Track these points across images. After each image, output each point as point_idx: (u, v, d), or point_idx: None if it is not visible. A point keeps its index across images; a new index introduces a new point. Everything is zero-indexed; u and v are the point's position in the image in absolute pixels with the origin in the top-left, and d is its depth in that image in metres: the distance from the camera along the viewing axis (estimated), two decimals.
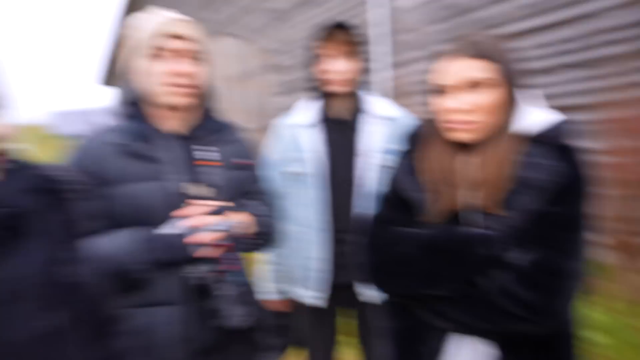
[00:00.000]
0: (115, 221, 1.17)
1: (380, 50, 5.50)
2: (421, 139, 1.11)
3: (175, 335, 1.15)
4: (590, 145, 3.69)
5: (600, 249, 3.73)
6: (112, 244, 1.11)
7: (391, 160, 1.53)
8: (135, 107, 1.24)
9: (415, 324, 1.06)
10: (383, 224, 1.10)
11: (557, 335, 0.97)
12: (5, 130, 0.77)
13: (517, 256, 0.92)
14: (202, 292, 1.16)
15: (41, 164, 0.88)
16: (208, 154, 1.26)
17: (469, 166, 1.00)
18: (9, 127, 0.78)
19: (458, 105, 0.96)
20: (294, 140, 1.69)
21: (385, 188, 1.16)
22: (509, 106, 0.98)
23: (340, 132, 1.67)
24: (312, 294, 1.67)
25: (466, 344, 0.99)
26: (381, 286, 1.10)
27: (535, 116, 1.00)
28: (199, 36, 1.24)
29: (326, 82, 1.63)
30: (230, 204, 1.21)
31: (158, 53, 1.17)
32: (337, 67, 1.59)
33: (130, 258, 1.10)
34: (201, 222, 1.12)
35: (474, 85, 0.95)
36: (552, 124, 0.99)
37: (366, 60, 1.67)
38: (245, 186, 1.37)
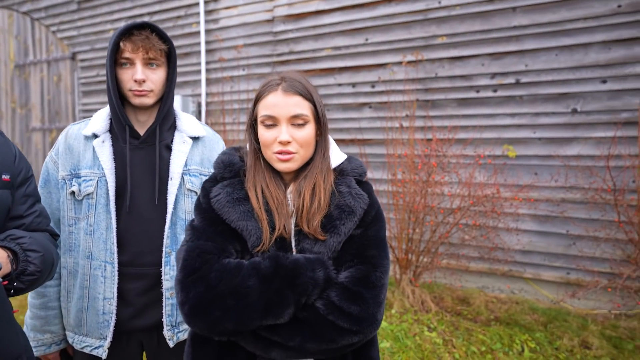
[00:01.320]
0: None
1: (197, 65, 4.98)
2: (244, 168, 1.08)
3: None
4: (378, 175, 4.05)
5: None
6: None
7: (196, 185, 1.42)
8: None
9: None
10: (203, 257, 0.96)
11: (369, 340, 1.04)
12: None
13: (340, 275, 0.97)
14: None
15: None
16: None
17: (291, 195, 1.04)
18: None
19: (284, 137, 0.98)
20: (82, 154, 1.35)
21: (197, 216, 1.05)
22: (319, 141, 1.06)
23: (141, 149, 1.38)
24: (94, 344, 1.34)
25: None
26: (206, 326, 0.92)
27: (334, 151, 1.10)
28: None
29: (127, 90, 1.33)
30: None
31: None
32: (138, 75, 1.30)
33: None
34: None
35: (295, 120, 1.00)
36: (348, 159, 1.11)
37: (173, 69, 1.39)
38: (13, 213, 1.12)
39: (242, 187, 1.05)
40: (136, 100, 1.33)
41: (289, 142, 0.99)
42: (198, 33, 4.98)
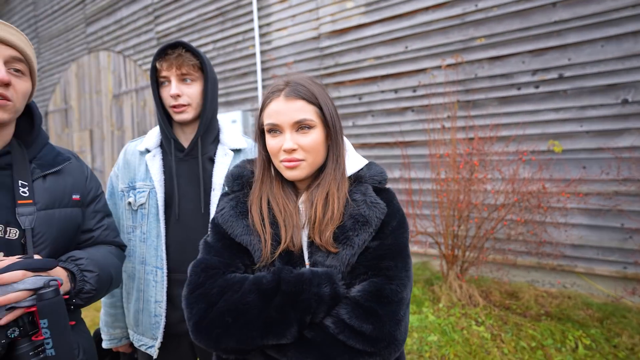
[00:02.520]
0: None
1: (254, 82, 5.15)
2: (249, 179, 0.98)
3: None
4: (421, 175, 3.90)
5: (432, 261, 3.93)
6: None
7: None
8: None
9: None
10: (207, 272, 0.87)
11: None
12: None
13: (352, 289, 0.83)
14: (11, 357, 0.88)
15: None
16: (28, 189, 1.01)
17: (303, 205, 0.92)
18: None
19: (288, 145, 0.87)
20: (137, 167, 1.35)
21: (210, 231, 0.97)
22: (330, 146, 0.93)
23: (186, 162, 1.35)
24: (148, 343, 1.33)
25: None
26: (209, 343, 0.81)
27: (351, 157, 0.97)
28: (23, 43, 0.97)
29: (169, 107, 1.31)
30: (38, 257, 0.96)
31: None
32: (172, 91, 1.27)
33: None
34: (13, 278, 0.86)
35: (299, 125, 0.88)
36: (368, 165, 0.97)
37: (211, 83, 1.33)
38: (83, 227, 1.14)
39: (247, 200, 0.94)
40: (176, 117, 1.30)
41: (294, 150, 0.87)
42: (254, 55, 5.14)
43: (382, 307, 0.80)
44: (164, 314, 1.30)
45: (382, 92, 4.16)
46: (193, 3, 5.72)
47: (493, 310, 3.05)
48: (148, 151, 1.36)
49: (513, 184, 3.14)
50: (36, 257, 0.97)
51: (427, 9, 3.80)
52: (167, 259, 1.31)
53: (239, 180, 0.98)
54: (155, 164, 1.33)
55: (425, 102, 3.86)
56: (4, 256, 0.94)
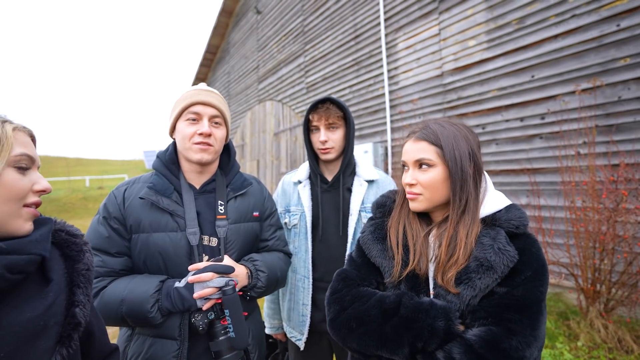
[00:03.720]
0: (135, 265, 1.09)
1: (383, 118, 5.43)
2: (390, 208, 1.00)
3: None
4: (552, 202, 3.45)
5: (567, 294, 3.38)
6: (126, 288, 1.03)
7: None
8: (171, 164, 1.18)
9: None
10: (346, 281, 0.92)
11: None
12: (45, 187, 0.71)
13: (470, 331, 0.76)
14: (206, 334, 1.06)
15: (56, 219, 0.81)
16: (224, 207, 1.16)
17: (434, 239, 0.89)
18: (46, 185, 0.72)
19: (409, 180, 0.91)
20: (291, 195, 1.52)
21: (355, 248, 1.02)
22: (453, 185, 0.86)
23: (329, 192, 1.47)
24: (297, 336, 1.47)
25: None
26: (338, 340, 0.88)
27: (491, 198, 0.89)
28: (220, 104, 1.17)
29: (317, 149, 1.47)
30: (231, 263, 1.10)
31: (188, 117, 1.13)
32: (321, 137, 1.42)
33: (141, 303, 1.00)
34: (206, 278, 1.02)
35: (419, 164, 0.90)
36: (507, 207, 0.87)
37: (351, 129, 1.46)
38: (261, 236, 1.26)
39: (384, 227, 0.97)
40: (323, 157, 1.44)
41: (412, 185, 0.90)
42: (383, 95, 5.44)
43: (494, 357, 0.70)
44: (309, 315, 1.42)
45: (507, 121, 3.87)
46: (334, 58, 6.44)
47: None
48: (300, 182, 1.51)
49: None
50: (226, 259, 1.10)
51: (555, 37, 3.43)
52: (313, 270, 1.42)
53: (382, 208, 1.01)
54: (305, 193, 1.47)
55: (555, 128, 3.43)
56: (207, 259, 1.10)
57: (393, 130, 5.29)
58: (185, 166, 1.18)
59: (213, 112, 1.14)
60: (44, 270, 0.70)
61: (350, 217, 1.41)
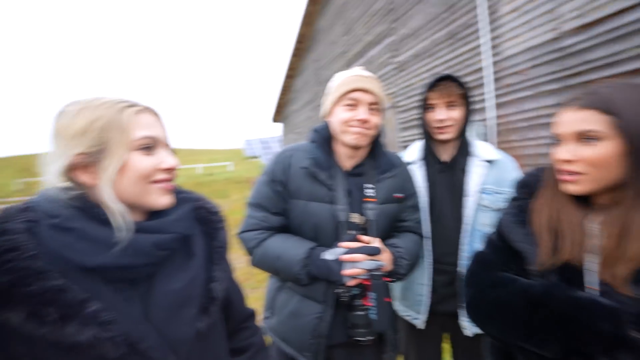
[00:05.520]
0: (290, 225, 1.20)
1: (486, 93, 4.94)
2: (537, 188, 0.86)
3: (314, 327, 1.15)
4: None
5: None
6: (282, 246, 1.14)
7: (491, 201, 1.37)
8: (325, 142, 1.24)
9: None
10: (484, 264, 0.88)
11: None
12: (171, 165, 0.72)
13: None
14: (345, 305, 1.12)
15: (200, 196, 0.85)
16: (372, 191, 1.20)
17: (597, 226, 0.74)
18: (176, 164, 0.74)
19: (565, 156, 0.76)
20: None
21: (491, 230, 0.95)
22: (633, 161, 0.70)
23: (444, 173, 1.44)
24: (413, 315, 1.48)
25: None
26: (477, 324, 0.86)
27: None
28: (378, 89, 1.19)
29: (432, 128, 1.44)
30: (379, 245, 1.14)
31: (346, 102, 1.17)
32: (440, 116, 1.39)
33: (291, 264, 1.11)
34: (358, 258, 1.08)
35: (582, 136, 0.74)
36: None
37: (471, 108, 1.42)
38: (399, 217, 1.28)
39: (529, 210, 0.84)
40: (439, 136, 1.41)
41: (570, 162, 0.76)
42: (481, 69, 4.94)
43: None
44: (427, 295, 1.42)
45: None
46: (425, 33, 6.05)
47: None
48: (412, 163, 1.49)
49: None
50: (374, 242, 1.14)
51: None
52: (432, 251, 1.42)
53: (526, 188, 0.90)
54: (419, 174, 1.45)
55: None
56: (353, 236, 1.15)
57: (498, 106, 4.79)
58: (338, 148, 1.24)
59: (372, 98, 1.16)
60: (189, 244, 0.75)
61: (467, 199, 1.38)
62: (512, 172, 1.40)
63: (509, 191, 1.37)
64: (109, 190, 0.65)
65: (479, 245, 0.98)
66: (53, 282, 0.58)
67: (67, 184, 0.67)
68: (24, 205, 0.66)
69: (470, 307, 0.86)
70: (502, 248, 0.88)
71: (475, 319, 0.85)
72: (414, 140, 1.77)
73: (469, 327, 1.39)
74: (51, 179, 0.65)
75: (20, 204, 0.66)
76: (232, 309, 0.89)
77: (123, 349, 0.61)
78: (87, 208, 0.65)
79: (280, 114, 16.33)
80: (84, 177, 0.66)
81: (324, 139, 1.24)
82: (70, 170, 0.66)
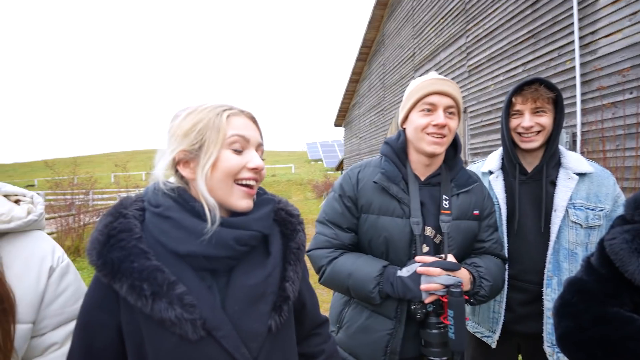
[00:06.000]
0: (360, 242, 1.17)
1: (571, 98, 4.45)
2: None
3: (386, 342, 1.12)
4: None
5: None
6: (354, 264, 1.11)
7: (581, 218, 1.25)
8: (400, 151, 1.20)
9: None
10: (583, 294, 0.78)
11: None
12: (257, 165, 0.75)
13: None
14: (418, 322, 1.09)
15: (281, 198, 0.87)
16: (448, 203, 1.15)
17: None
18: (264, 169, 0.77)
19: None
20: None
21: (587, 253, 0.89)
22: None
23: (527, 184, 1.35)
24: (485, 332, 1.40)
25: None
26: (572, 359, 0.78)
27: None
28: (456, 92, 1.14)
29: (516, 135, 1.34)
30: (454, 262, 1.08)
31: (423, 107, 1.13)
32: (526, 123, 1.29)
33: (364, 282, 1.08)
34: (434, 272, 1.03)
35: None
36: None
37: (561, 114, 1.30)
38: (478, 237, 1.21)
39: None
40: (524, 145, 1.31)
41: None
42: (571, 69, 4.45)
43: None
44: (502, 312, 1.34)
45: None
46: (503, 33, 5.64)
47: None
48: (491, 172, 1.42)
49: None
50: (449, 257, 1.08)
51: None
52: (509, 266, 1.32)
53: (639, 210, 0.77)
54: (498, 184, 1.38)
55: None
56: (427, 250, 1.10)
57: (584, 112, 4.28)
58: (413, 156, 1.19)
59: (449, 102, 1.12)
60: (267, 243, 0.78)
61: (554, 214, 1.29)
62: (608, 186, 1.29)
63: (603, 208, 1.26)
64: (203, 185, 0.71)
65: (566, 264, 0.91)
66: (151, 262, 0.66)
67: (172, 178, 0.76)
68: (137, 195, 0.77)
69: (564, 340, 0.78)
70: (607, 277, 0.77)
71: (570, 354, 0.77)
72: (484, 147, 1.65)
73: (553, 355, 1.29)
74: (159, 172, 0.74)
75: (135, 195, 0.78)
76: (305, 313, 0.89)
77: (201, 332, 0.65)
78: (184, 200, 0.72)
79: (343, 118, 16.46)
80: (185, 172, 0.74)
81: (399, 148, 1.20)
82: (175, 164, 0.75)
